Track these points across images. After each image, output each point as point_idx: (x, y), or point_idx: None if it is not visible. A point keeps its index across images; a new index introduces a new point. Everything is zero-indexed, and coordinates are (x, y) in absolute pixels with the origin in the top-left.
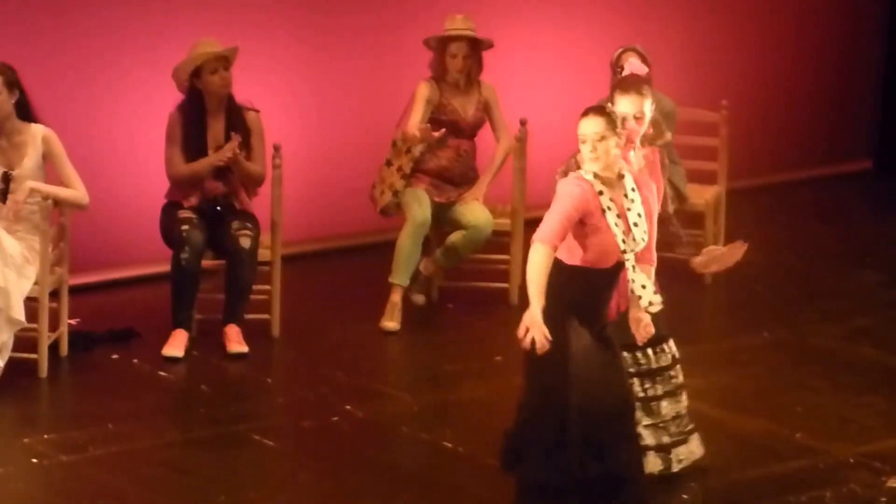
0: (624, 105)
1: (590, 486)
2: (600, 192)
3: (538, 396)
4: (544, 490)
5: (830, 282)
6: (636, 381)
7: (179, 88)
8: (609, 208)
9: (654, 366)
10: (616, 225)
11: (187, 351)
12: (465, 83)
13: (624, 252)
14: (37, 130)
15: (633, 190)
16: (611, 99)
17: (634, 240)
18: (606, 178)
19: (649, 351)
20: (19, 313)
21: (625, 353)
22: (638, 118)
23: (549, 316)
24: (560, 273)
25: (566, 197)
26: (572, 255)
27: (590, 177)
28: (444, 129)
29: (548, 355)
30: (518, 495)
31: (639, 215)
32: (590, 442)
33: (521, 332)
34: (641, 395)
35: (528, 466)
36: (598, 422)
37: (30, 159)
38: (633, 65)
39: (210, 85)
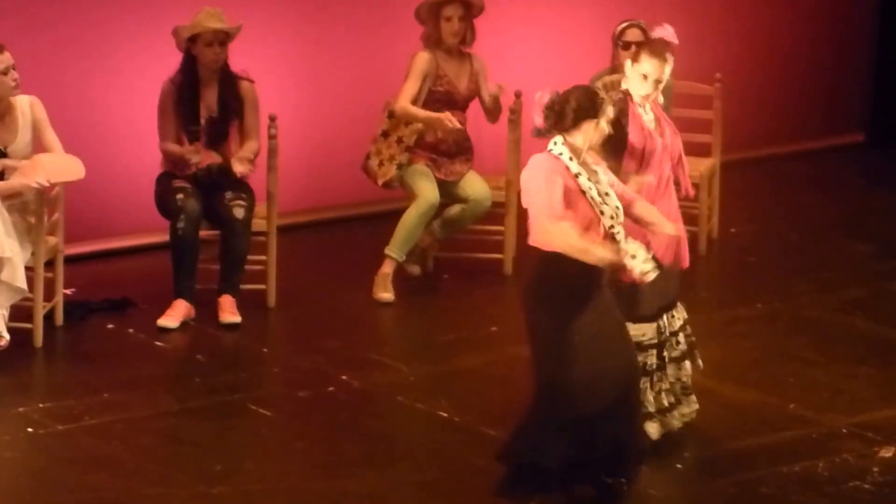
0: (649, 66)
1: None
2: (577, 174)
3: (546, 384)
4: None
5: (823, 253)
6: (654, 351)
7: (179, 48)
8: (590, 188)
9: (674, 328)
10: (596, 203)
11: (184, 321)
12: (459, 50)
13: (612, 227)
14: (23, 102)
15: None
16: (635, 58)
17: (617, 208)
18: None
19: (665, 317)
20: (23, 282)
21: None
22: (658, 82)
23: (548, 307)
24: (547, 262)
25: (548, 171)
26: None
27: (566, 157)
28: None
29: (553, 344)
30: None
31: (609, 189)
32: (596, 420)
33: (632, 272)
34: (657, 363)
35: (521, 445)
36: (606, 398)
37: (22, 136)
38: (665, 30)
39: (203, 56)
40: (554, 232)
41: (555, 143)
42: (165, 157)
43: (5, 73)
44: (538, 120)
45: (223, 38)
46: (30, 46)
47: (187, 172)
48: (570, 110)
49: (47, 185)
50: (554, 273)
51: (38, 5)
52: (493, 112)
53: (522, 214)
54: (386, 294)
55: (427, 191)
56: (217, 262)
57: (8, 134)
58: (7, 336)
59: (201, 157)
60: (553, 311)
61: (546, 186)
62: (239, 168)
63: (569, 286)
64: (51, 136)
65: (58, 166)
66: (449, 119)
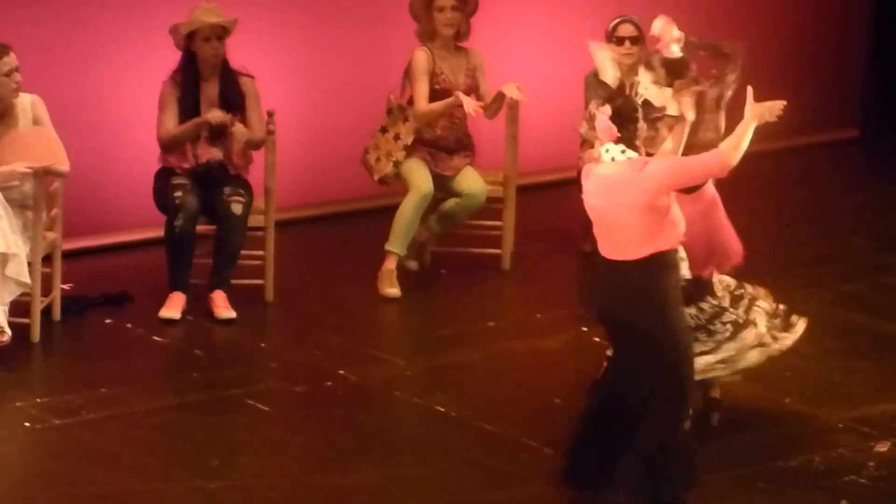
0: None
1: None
2: None
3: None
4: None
5: (819, 248)
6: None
7: (177, 46)
8: None
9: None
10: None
11: (183, 314)
12: (455, 45)
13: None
14: (24, 100)
15: None
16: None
17: None
18: None
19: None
20: (27, 277)
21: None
22: None
23: (669, 309)
24: (669, 262)
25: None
26: (672, 238)
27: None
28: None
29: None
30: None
31: None
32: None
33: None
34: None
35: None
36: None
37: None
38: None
39: (201, 52)
40: (726, 150)
41: (622, 151)
42: (171, 144)
43: (8, 74)
44: (609, 135)
45: (220, 33)
46: (27, 40)
47: (197, 161)
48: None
49: (30, 171)
50: (659, 276)
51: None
52: (491, 109)
53: (520, 210)
54: (392, 290)
55: (420, 181)
56: (210, 257)
57: (8, 132)
58: (9, 332)
59: (223, 119)
60: (675, 310)
61: (670, 157)
62: (238, 131)
63: (673, 284)
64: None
65: (38, 147)
66: (461, 98)
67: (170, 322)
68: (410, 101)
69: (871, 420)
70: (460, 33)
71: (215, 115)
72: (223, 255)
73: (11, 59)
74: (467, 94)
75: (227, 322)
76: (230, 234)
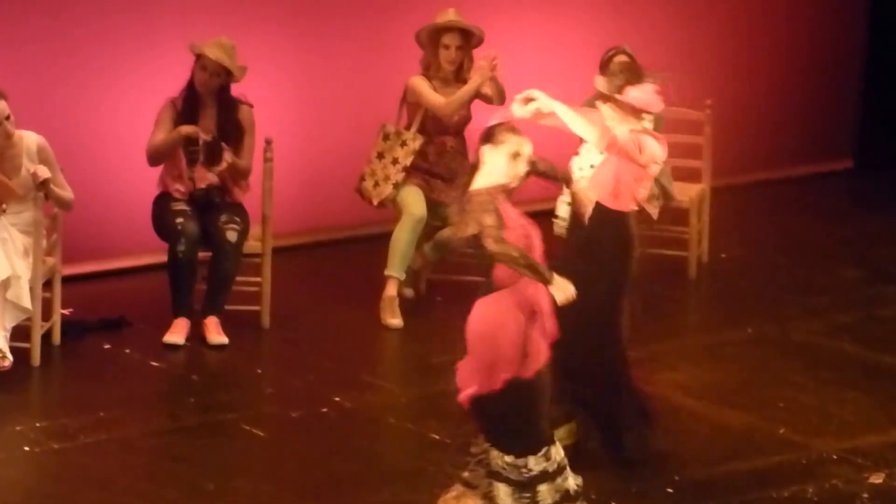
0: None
1: None
2: None
3: None
4: None
5: (813, 278)
6: None
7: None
8: None
9: None
10: None
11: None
12: (455, 78)
13: None
14: (29, 140)
15: None
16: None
17: None
18: None
19: None
20: (28, 302)
21: None
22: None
23: None
24: None
25: None
26: None
27: None
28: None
29: None
30: None
31: None
32: None
33: None
34: None
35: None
36: None
37: (26, 170)
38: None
39: (196, 76)
40: None
41: None
42: (156, 154)
43: None
44: None
45: (218, 70)
46: (22, 65)
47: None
48: None
49: (49, 176)
50: None
51: (28, 24)
52: (496, 96)
53: None
54: (394, 320)
55: (412, 206)
56: (205, 283)
57: (10, 167)
58: (10, 357)
59: (207, 136)
60: None
61: None
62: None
63: None
64: (61, 177)
65: None
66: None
67: (173, 347)
68: (407, 127)
69: (864, 451)
70: (462, 68)
71: (188, 129)
72: (217, 282)
73: (2, 108)
74: (460, 124)
75: (220, 347)
76: (224, 261)
